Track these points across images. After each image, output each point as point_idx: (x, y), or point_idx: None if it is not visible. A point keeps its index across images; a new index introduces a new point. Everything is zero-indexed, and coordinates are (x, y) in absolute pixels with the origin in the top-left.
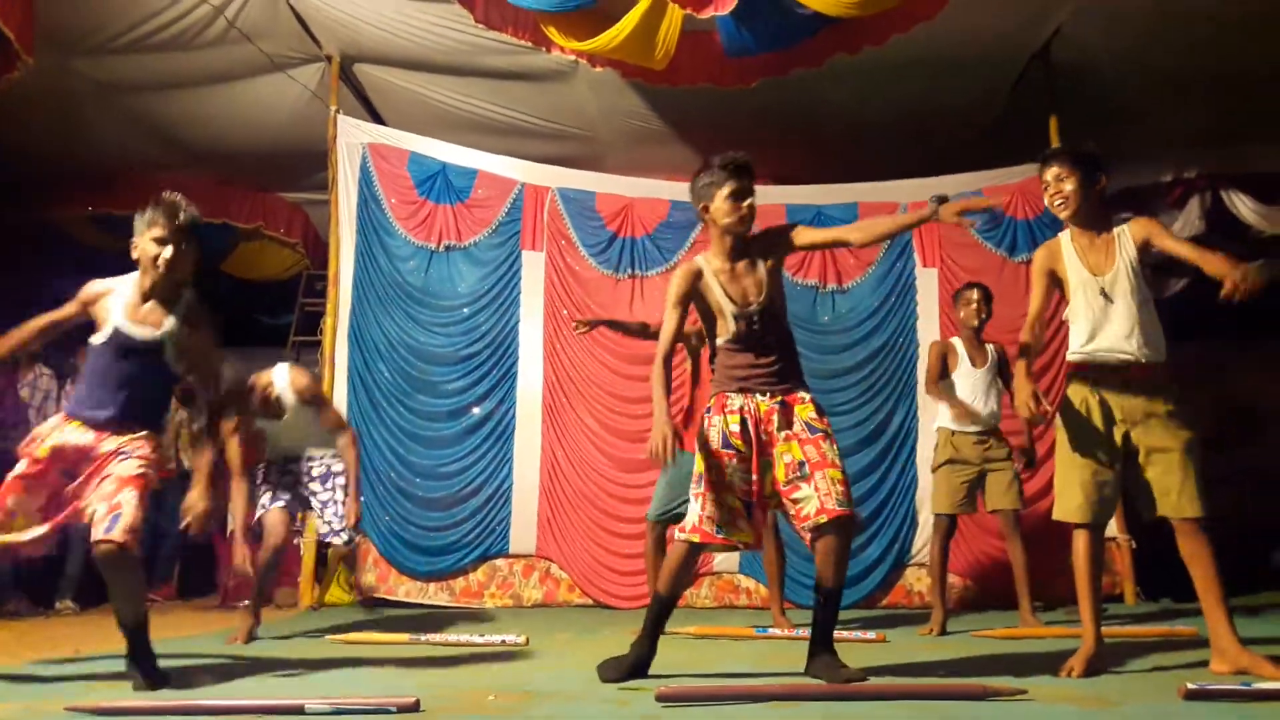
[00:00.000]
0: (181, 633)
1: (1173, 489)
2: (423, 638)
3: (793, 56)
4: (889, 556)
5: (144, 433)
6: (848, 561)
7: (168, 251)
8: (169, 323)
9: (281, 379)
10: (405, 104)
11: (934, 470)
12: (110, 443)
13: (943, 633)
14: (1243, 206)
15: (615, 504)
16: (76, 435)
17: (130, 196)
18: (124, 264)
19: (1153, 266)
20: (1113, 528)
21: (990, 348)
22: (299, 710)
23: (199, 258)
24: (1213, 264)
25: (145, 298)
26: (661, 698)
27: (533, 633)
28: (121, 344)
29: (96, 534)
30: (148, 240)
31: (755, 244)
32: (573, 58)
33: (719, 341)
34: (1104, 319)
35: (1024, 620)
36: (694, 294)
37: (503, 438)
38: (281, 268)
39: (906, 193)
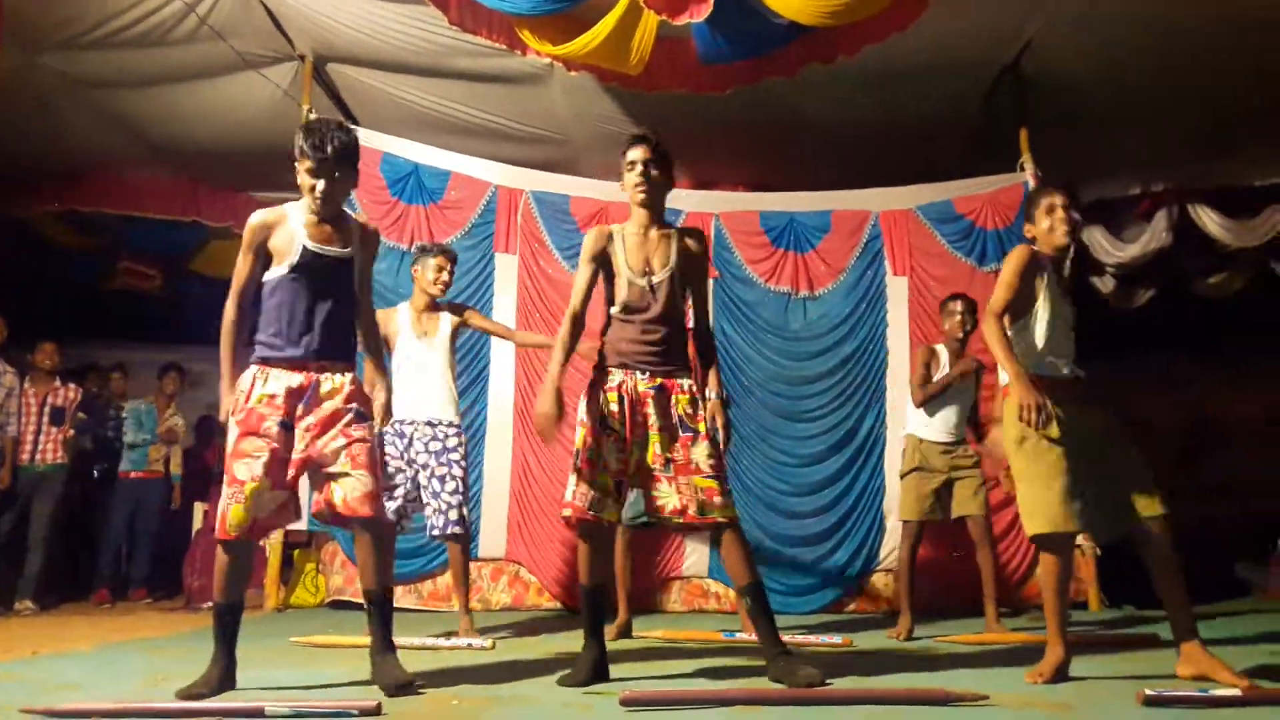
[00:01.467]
0: (149, 634)
1: (1143, 489)
2: None
3: (767, 64)
4: (856, 562)
5: (349, 371)
6: (750, 556)
7: (321, 185)
8: (352, 240)
9: (447, 314)
10: (378, 104)
11: (902, 477)
12: (326, 382)
13: (909, 637)
14: (1209, 221)
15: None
16: (283, 380)
17: (100, 194)
18: (92, 262)
19: (1119, 278)
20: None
21: (972, 360)
22: (259, 713)
23: (355, 180)
24: None
25: (319, 219)
26: (625, 702)
27: (499, 636)
28: (313, 264)
29: (362, 509)
30: (302, 172)
31: (680, 235)
32: (547, 61)
33: (612, 310)
34: (1063, 339)
35: (989, 626)
36: (603, 254)
37: (473, 441)
38: None
39: (879, 201)
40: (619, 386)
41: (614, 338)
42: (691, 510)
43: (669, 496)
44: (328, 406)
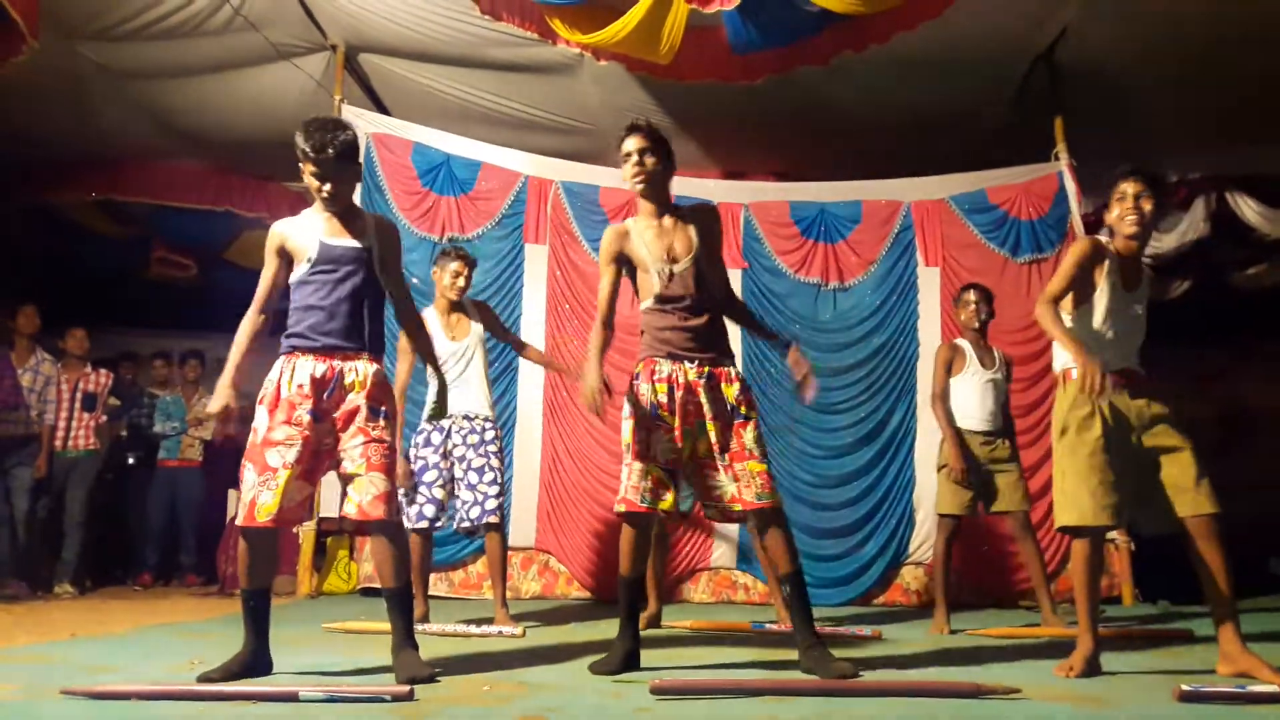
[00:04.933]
0: (185, 618)
1: (1189, 487)
2: (419, 627)
3: (798, 53)
4: (886, 554)
5: (374, 363)
6: (793, 544)
7: (328, 186)
8: (367, 235)
9: (469, 308)
10: (410, 95)
11: (939, 469)
12: (349, 373)
13: (951, 631)
14: (1247, 209)
15: (615, 498)
16: (307, 369)
17: (135, 184)
18: (128, 251)
19: (1155, 269)
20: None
21: (999, 352)
22: (293, 697)
23: (358, 170)
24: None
25: (332, 215)
26: (655, 690)
27: (530, 625)
28: (328, 258)
29: (374, 511)
30: (307, 174)
31: (691, 214)
32: (578, 51)
33: (646, 304)
34: (1121, 331)
35: (1046, 620)
36: (622, 253)
37: (504, 432)
38: None
39: (910, 191)
40: (669, 377)
41: (654, 328)
42: (747, 495)
43: (726, 484)
44: (351, 400)
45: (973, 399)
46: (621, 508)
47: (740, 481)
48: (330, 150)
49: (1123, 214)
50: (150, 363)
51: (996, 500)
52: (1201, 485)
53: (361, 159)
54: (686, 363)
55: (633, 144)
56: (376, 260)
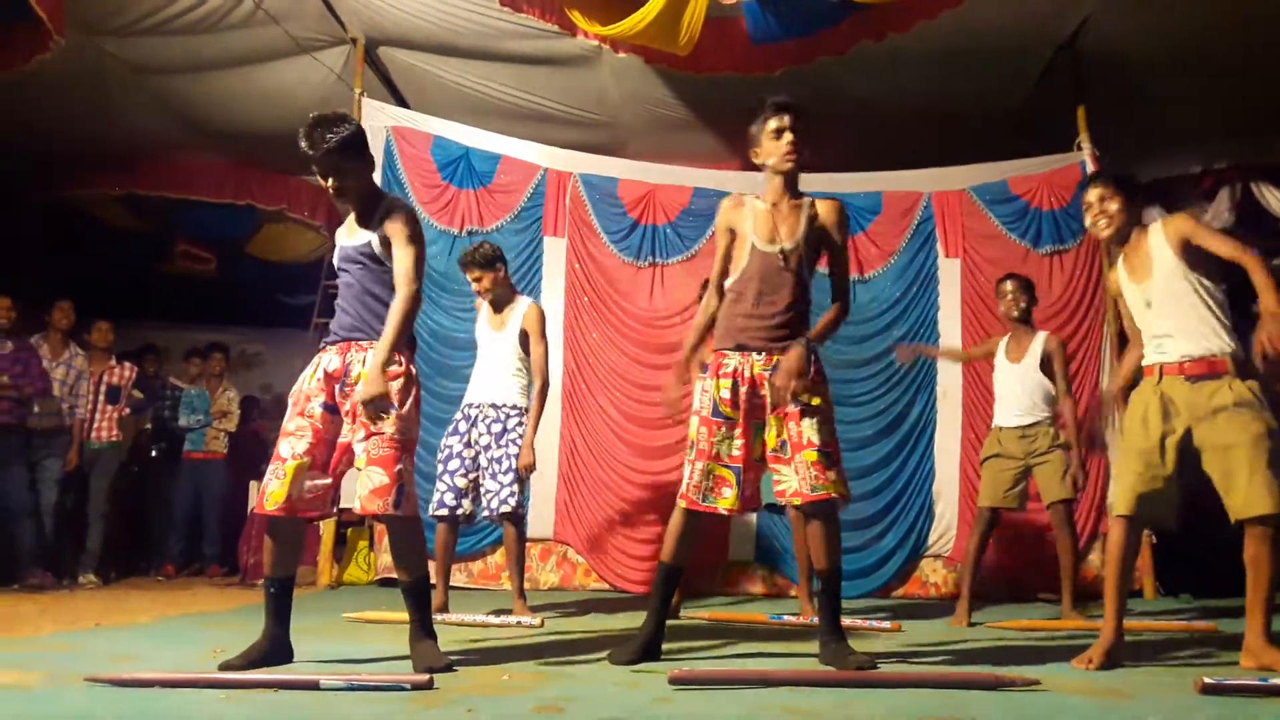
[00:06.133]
0: (207, 608)
1: (1237, 487)
2: (439, 617)
3: (818, 44)
4: (905, 547)
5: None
6: (837, 543)
7: (330, 182)
8: (372, 227)
9: (523, 305)
10: (429, 88)
11: (980, 464)
12: (356, 365)
13: (970, 624)
14: (1272, 198)
15: (633, 490)
16: (324, 362)
17: (157, 178)
18: (149, 245)
19: None
20: None
21: (1040, 338)
22: (314, 685)
23: (367, 163)
24: (1259, 279)
25: (355, 214)
26: (674, 680)
27: (548, 615)
28: (341, 258)
29: (370, 505)
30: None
31: (813, 206)
32: (596, 43)
33: (729, 281)
34: (1151, 324)
35: (1065, 614)
36: (731, 226)
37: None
38: (305, 250)
39: (931, 182)
40: (734, 372)
41: (730, 312)
42: (804, 489)
43: (788, 479)
44: (356, 393)
45: (1003, 394)
46: (682, 504)
47: (799, 475)
48: (323, 146)
49: (1094, 221)
50: (189, 360)
51: (1043, 493)
52: (1254, 483)
53: (375, 152)
54: (754, 355)
55: (786, 120)
56: (383, 254)
